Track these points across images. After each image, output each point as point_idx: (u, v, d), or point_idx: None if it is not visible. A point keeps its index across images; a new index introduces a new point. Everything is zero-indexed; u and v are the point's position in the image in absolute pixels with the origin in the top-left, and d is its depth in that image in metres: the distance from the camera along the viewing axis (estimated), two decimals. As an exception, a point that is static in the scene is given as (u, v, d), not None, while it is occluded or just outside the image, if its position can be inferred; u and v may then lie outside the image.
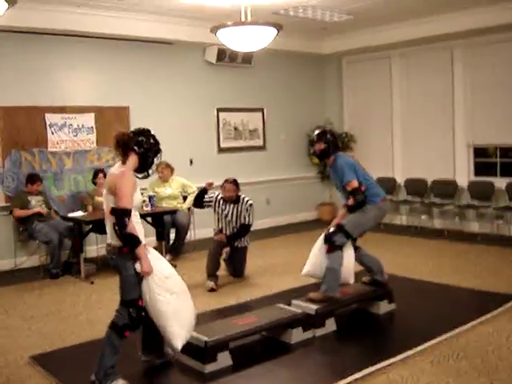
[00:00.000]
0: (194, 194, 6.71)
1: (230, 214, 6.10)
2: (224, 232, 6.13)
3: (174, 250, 7.37)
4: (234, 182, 6.09)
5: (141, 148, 3.56)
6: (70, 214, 6.87)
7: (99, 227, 6.86)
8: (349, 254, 4.70)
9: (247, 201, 6.13)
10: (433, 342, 4.09)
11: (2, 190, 6.99)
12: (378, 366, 3.72)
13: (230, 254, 6.24)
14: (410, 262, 6.81)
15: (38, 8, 6.63)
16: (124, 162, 3.58)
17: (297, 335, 4.24)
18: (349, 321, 4.76)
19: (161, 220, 7.12)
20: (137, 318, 3.50)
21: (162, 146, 3.71)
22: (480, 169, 8.78)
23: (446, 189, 8.83)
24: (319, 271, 4.69)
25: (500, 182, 8.32)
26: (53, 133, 7.33)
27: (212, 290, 5.78)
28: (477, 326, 4.43)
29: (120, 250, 3.47)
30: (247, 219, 6.10)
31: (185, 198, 7.63)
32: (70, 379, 3.75)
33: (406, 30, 8.50)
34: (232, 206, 6.11)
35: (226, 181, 6.13)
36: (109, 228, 3.57)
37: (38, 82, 7.21)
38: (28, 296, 5.84)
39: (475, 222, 8.62)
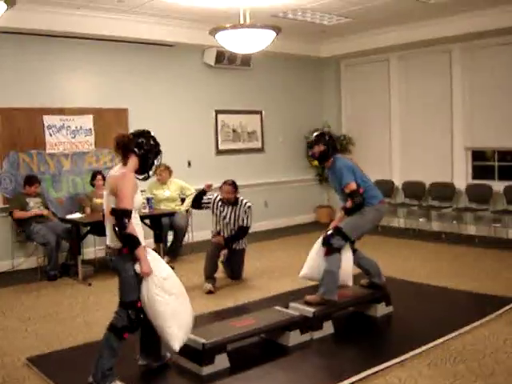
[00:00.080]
0: (192, 196, 6.72)
1: (228, 216, 6.10)
2: (222, 234, 6.13)
3: (172, 252, 7.37)
4: (233, 184, 6.09)
5: (141, 150, 3.57)
6: (68, 216, 6.86)
7: (97, 229, 6.87)
8: (347, 256, 4.70)
9: (246, 203, 6.13)
10: (430, 344, 4.09)
11: (0, 191, 6.98)
12: (376, 368, 3.72)
13: (227, 256, 6.24)
14: (408, 265, 6.82)
15: (38, 9, 6.64)
16: (125, 164, 3.58)
17: (294, 338, 4.24)
18: (346, 323, 4.76)
19: (159, 222, 7.12)
20: (136, 320, 3.50)
21: (160, 148, 3.71)
22: (478, 172, 8.79)
23: (444, 192, 8.85)
24: (317, 274, 4.69)
25: (498, 186, 8.33)
26: (51, 134, 7.32)
27: (210, 292, 5.77)
28: (474, 329, 4.43)
29: (119, 251, 3.46)
30: (245, 221, 6.10)
31: (183, 200, 7.63)
32: (67, 381, 3.74)
33: (404, 33, 8.52)
34: (230, 208, 6.11)
35: (225, 182, 6.13)
36: (108, 230, 3.56)
37: (36, 83, 7.21)
38: (25, 297, 5.83)
39: (473, 225, 8.63)
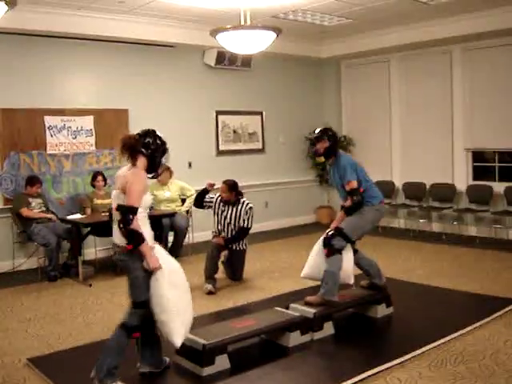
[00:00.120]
0: (193, 197, 6.73)
1: (229, 216, 6.11)
2: (223, 234, 6.14)
3: (173, 253, 7.30)
4: (229, 185, 6.09)
5: (148, 149, 3.60)
6: (69, 217, 6.86)
7: (98, 230, 6.89)
8: (348, 256, 4.70)
9: (247, 204, 6.14)
10: (430, 345, 4.09)
11: (1, 192, 6.99)
12: (376, 369, 3.72)
13: (228, 256, 6.24)
14: (408, 266, 6.82)
15: (38, 10, 6.64)
16: (134, 164, 3.60)
17: (295, 338, 4.24)
18: (347, 324, 4.76)
19: (159, 223, 7.12)
20: (147, 319, 3.52)
21: (167, 146, 3.74)
22: (478, 173, 8.79)
23: (445, 193, 8.85)
24: (318, 274, 4.69)
25: (498, 187, 8.34)
26: (52, 135, 7.33)
27: (210, 292, 5.78)
28: (474, 330, 4.43)
29: (130, 250, 3.46)
30: (246, 222, 6.10)
31: (183, 201, 7.63)
32: (68, 382, 3.75)
33: (404, 33, 8.52)
34: (231, 208, 6.12)
35: (224, 182, 6.15)
36: (115, 228, 3.57)
37: (37, 84, 7.22)
38: (26, 298, 5.83)
39: (473, 226, 8.63)
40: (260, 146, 9.73)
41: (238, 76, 9.26)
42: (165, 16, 7.49)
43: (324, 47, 9.81)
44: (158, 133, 3.70)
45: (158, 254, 3.56)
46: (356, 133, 10.13)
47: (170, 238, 7.44)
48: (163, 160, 3.70)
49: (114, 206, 3.58)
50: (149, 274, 3.50)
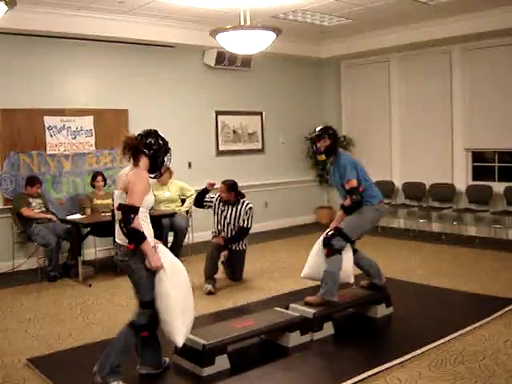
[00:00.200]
0: (193, 197, 6.74)
1: (228, 216, 6.12)
2: (223, 234, 6.14)
3: (172, 253, 7.35)
4: (229, 185, 6.09)
5: (150, 150, 3.61)
6: (69, 217, 6.86)
7: (97, 230, 6.89)
8: (348, 256, 4.70)
9: (247, 204, 6.14)
10: (430, 345, 4.10)
11: (1, 192, 6.98)
12: (376, 369, 3.72)
13: (228, 257, 6.25)
14: (408, 266, 6.82)
15: (38, 10, 6.64)
16: (136, 165, 3.61)
17: (294, 339, 4.24)
18: (346, 325, 4.76)
19: (159, 223, 7.11)
20: (154, 319, 3.55)
21: (169, 146, 3.76)
22: (478, 173, 8.80)
23: (444, 193, 8.85)
24: (318, 273, 4.69)
25: (498, 187, 8.34)
26: (51, 135, 7.33)
27: (210, 293, 5.78)
28: (474, 330, 4.43)
29: (132, 250, 3.47)
30: (246, 222, 6.11)
31: (183, 201, 7.63)
32: (67, 382, 3.75)
33: (404, 34, 8.52)
34: (231, 208, 6.12)
35: (223, 182, 6.16)
36: (118, 229, 3.58)
37: (37, 84, 7.22)
38: (25, 298, 5.83)
39: (473, 226, 8.63)
40: (260, 146, 9.74)
41: (238, 76, 9.26)
42: (164, 16, 7.49)
43: (324, 47, 9.81)
44: (159, 133, 3.72)
45: (162, 254, 3.58)
46: (356, 133, 10.14)
47: (170, 239, 7.44)
48: (166, 160, 3.71)
49: (115, 205, 3.59)
50: (152, 273, 3.51)
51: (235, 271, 6.30)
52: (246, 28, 5.80)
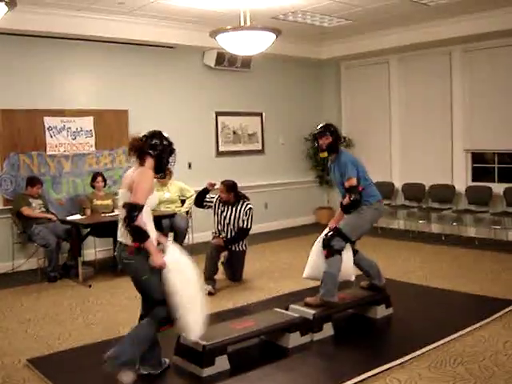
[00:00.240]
0: (193, 197, 6.75)
1: (228, 217, 6.12)
2: (223, 235, 6.14)
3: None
4: (228, 185, 6.10)
5: (155, 151, 3.68)
6: (69, 218, 6.86)
7: (97, 230, 6.89)
8: (348, 255, 4.70)
9: (247, 204, 6.15)
10: (430, 346, 4.10)
11: (0, 193, 6.98)
12: (376, 370, 3.72)
13: (228, 257, 6.25)
14: (408, 267, 6.82)
15: (38, 11, 6.64)
16: (142, 165, 3.66)
17: (294, 339, 4.24)
18: (346, 325, 4.76)
19: (159, 224, 7.10)
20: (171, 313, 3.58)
21: (173, 147, 3.81)
22: (478, 174, 8.80)
23: (444, 194, 8.85)
24: (319, 274, 4.68)
25: (498, 188, 8.34)
26: (51, 136, 7.33)
27: (210, 293, 5.77)
28: (474, 331, 4.44)
29: (137, 250, 3.49)
30: (245, 223, 6.11)
31: (183, 202, 7.63)
32: (67, 383, 3.75)
33: (404, 34, 8.52)
34: (231, 208, 6.13)
35: (222, 182, 6.17)
36: (121, 228, 3.61)
37: (37, 84, 7.22)
38: (25, 299, 5.83)
39: (473, 227, 8.63)
40: (260, 147, 9.74)
41: (238, 77, 9.27)
42: (164, 17, 7.49)
43: (324, 48, 9.82)
44: (164, 134, 3.78)
45: (170, 252, 3.61)
46: (356, 134, 10.14)
47: (170, 239, 7.44)
48: (170, 160, 3.78)
49: (119, 204, 3.63)
50: (158, 271, 3.53)
51: (235, 272, 6.31)
52: (245, 29, 5.81)
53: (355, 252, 4.84)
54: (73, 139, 7.51)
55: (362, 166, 4.78)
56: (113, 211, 7.11)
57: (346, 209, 4.69)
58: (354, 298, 4.89)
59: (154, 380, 3.74)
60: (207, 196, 6.25)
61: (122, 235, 3.60)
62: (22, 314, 5.33)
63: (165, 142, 3.73)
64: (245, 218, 6.10)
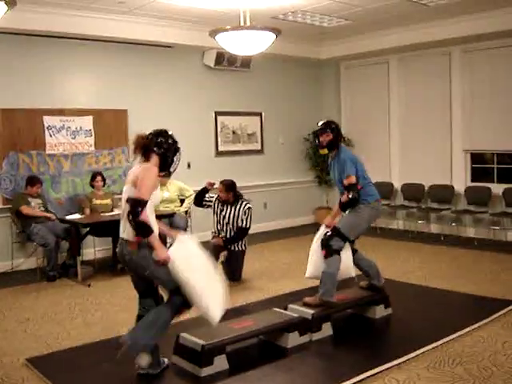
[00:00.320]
0: (192, 197, 6.76)
1: (227, 216, 6.13)
2: (222, 234, 6.14)
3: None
4: (226, 185, 6.11)
5: (161, 149, 3.72)
6: (68, 217, 6.86)
7: (97, 230, 6.89)
8: (347, 254, 4.70)
9: (246, 204, 6.15)
10: (429, 347, 4.10)
11: (0, 192, 6.98)
12: (374, 370, 3.72)
13: (227, 257, 6.25)
14: (407, 267, 6.82)
15: (38, 10, 6.64)
16: (147, 162, 3.70)
17: (293, 339, 4.24)
18: (345, 325, 4.76)
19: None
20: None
21: (178, 146, 3.87)
22: (477, 174, 8.80)
23: (443, 194, 8.86)
24: (319, 272, 4.68)
25: (497, 188, 8.35)
26: (51, 135, 7.33)
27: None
28: (473, 332, 4.44)
29: (139, 245, 3.51)
30: (244, 222, 6.11)
31: (182, 202, 7.63)
32: (66, 382, 3.75)
33: (404, 35, 8.53)
34: (230, 207, 6.13)
35: (221, 182, 6.18)
36: (124, 224, 3.62)
37: (36, 84, 7.22)
38: (24, 298, 5.83)
39: (472, 228, 8.64)
40: (259, 147, 9.74)
41: (238, 77, 9.27)
42: (164, 16, 7.49)
43: (323, 48, 9.82)
44: (169, 132, 3.82)
45: (176, 243, 3.65)
46: (355, 134, 10.13)
47: (169, 239, 7.43)
48: (175, 159, 3.83)
49: (123, 199, 3.63)
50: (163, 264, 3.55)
51: (234, 271, 6.30)
52: (245, 28, 5.81)
53: (354, 251, 4.84)
54: (72, 139, 7.51)
55: (361, 164, 4.78)
56: (112, 210, 7.12)
57: (344, 206, 4.69)
58: (352, 297, 4.89)
59: (153, 379, 3.74)
60: (207, 195, 6.26)
61: (125, 231, 3.61)
62: (21, 313, 5.33)
63: (170, 141, 3.77)
64: (244, 217, 6.11)
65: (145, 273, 3.60)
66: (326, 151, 4.80)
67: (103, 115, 7.75)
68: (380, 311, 4.88)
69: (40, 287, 6.27)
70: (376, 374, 3.70)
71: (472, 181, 8.80)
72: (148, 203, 3.53)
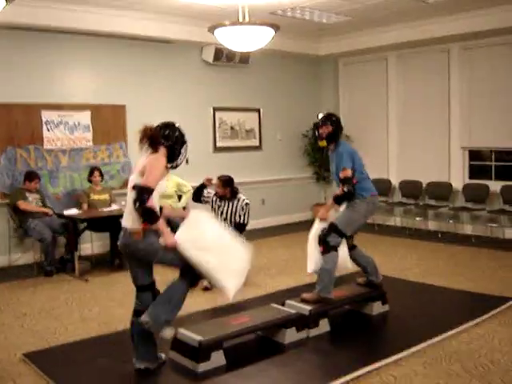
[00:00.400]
0: (190, 192, 6.75)
1: (225, 212, 6.12)
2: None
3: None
4: (224, 180, 6.11)
5: (168, 141, 3.72)
6: (65, 212, 6.85)
7: (94, 225, 6.89)
8: (344, 250, 4.71)
9: (243, 200, 6.15)
10: (426, 343, 4.11)
11: (-3, 187, 6.98)
12: (371, 367, 3.73)
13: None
14: (404, 264, 6.83)
15: (36, 5, 6.61)
16: (155, 153, 3.69)
17: (290, 335, 4.25)
18: (342, 322, 4.77)
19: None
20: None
21: (185, 139, 3.84)
22: (475, 172, 8.81)
23: (441, 191, 8.87)
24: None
25: (494, 185, 8.35)
26: (49, 130, 7.31)
27: (206, 288, 5.77)
28: (470, 329, 4.45)
29: (145, 233, 3.52)
30: (242, 218, 6.11)
31: (180, 197, 7.62)
32: (63, 377, 3.75)
33: (402, 31, 8.52)
34: (228, 203, 6.13)
35: (218, 177, 6.17)
36: (128, 213, 3.62)
37: (34, 79, 7.19)
38: (21, 293, 5.83)
39: (469, 225, 8.65)
40: (257, 143, 9.73)
41: (236, 73, 9.25)
42: (163, 12, 7.47)
43: (322, 45, 9.81)
44: (177, 125, 3.84)
45: (187, 223, 3.68)
46: (353, 130, 10.10)
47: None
48: (182, 152, 3.80)
49: (129, 187, 3.63)
50: (170, 248, 3.56)
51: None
52: (244, 24, 5.79)
53: (353, 247, 4.85)
54: (70, 134, 7.49)
55: (359, 159, 4.77)
56: (110, 206, 7.11)
57: (338, 199, 4.67)
58: (350, 294, 4.90)
59: (150, 375, 3.74)
60: (205, 191, 6.25)
61: (128, 221, 3.60)
62: (18, 308, 5.32)
63: (177, 133, 3.78)
64: (241, 213, 6.10)
65: (153, 259, 3.61)
66: (324, 143, 4.80)
67: (101, 110, 7.73)
68: (377, 308, 4.89)
69: (37, 282, 6.26)
70: (373, 370, 3.71)
71: (470, 178, 8.81)
72: (154, 192, 3.51)
